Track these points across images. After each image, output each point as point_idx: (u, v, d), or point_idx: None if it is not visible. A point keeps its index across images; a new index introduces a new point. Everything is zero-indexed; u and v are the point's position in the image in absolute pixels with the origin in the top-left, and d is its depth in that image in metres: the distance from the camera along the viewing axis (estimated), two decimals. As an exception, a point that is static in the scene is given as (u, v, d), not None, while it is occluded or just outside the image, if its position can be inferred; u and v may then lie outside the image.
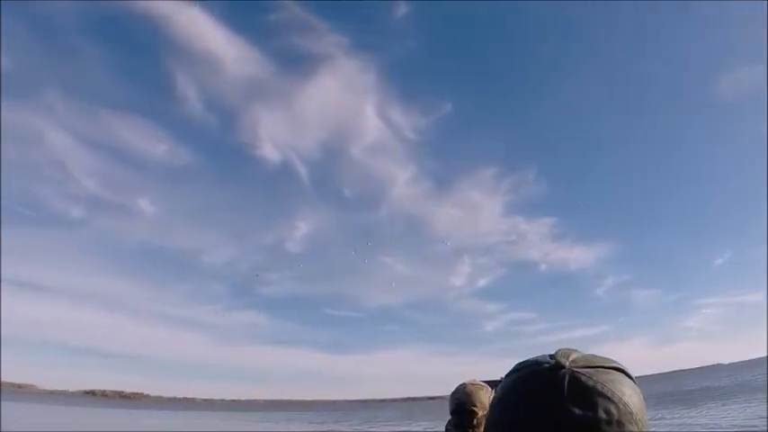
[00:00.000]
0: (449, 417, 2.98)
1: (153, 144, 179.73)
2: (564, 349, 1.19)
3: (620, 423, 1.11)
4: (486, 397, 3.00)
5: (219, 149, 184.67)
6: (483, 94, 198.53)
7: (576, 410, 1.10)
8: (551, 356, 1.18)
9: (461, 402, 2.99)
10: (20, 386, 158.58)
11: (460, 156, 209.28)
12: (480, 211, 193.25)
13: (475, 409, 2.94)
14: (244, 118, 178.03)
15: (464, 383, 3.09)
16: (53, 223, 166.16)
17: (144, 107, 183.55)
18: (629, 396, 1.15)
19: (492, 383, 3.09)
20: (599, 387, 1.13)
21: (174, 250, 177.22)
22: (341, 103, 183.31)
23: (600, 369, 1.16)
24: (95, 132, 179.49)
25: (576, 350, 1.20)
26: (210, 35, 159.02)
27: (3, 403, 55.74)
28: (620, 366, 1.19)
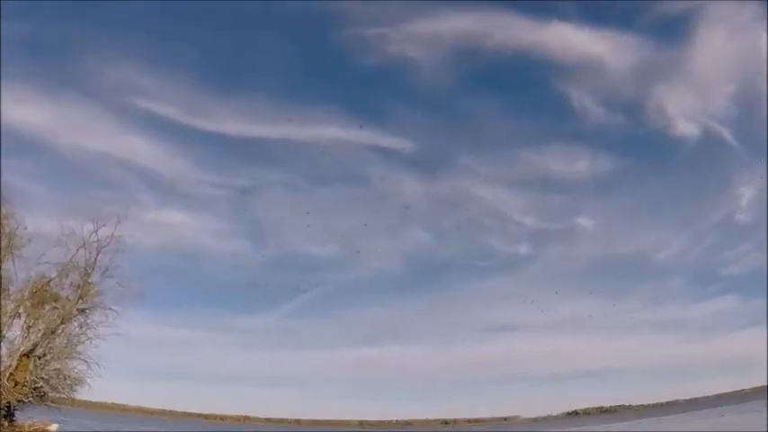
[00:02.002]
0: None
1: (572, 163, 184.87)
2: None
3: None
4: None
5: (635, 144, 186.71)
6: None
7: None
8: None
9: None
10: (506, 419, 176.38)
11: None
12: None
13: None
14: (647, 105, 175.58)
15: None
16: (506, 266, 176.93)
17: (551, 132, 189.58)
18: None
19: None
20: None
21: (624, 257, 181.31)
22: (734, 47, 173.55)
23: None
24: (516, 173, 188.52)
25: None
26: (578, 41, 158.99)
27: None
28: None
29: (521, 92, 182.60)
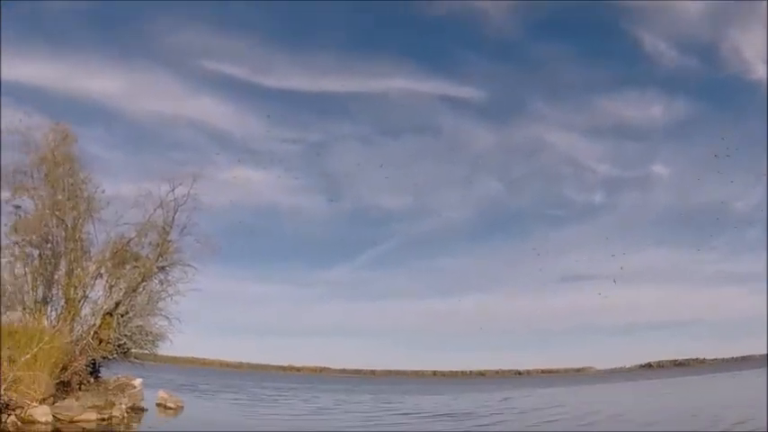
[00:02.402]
0: None
1: (646, 109, 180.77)
2: None
3: None
4: None
5: (711, 88, 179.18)
6: None
7: None
8: None
9: None
10: (578, 370, 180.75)
11: None
12: None
13: None
14: (722, 48, 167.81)
15: None
16: (579, 215, 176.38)
17: (624, 78, 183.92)
18: None
19: None
20: None
21: (700, 206, 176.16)
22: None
23: None
24: (590, 119, 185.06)
25: None
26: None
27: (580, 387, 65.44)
28: None
29: (592, 37, 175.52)
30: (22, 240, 23.61)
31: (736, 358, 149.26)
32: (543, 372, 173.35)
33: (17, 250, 23.50)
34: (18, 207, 23.85)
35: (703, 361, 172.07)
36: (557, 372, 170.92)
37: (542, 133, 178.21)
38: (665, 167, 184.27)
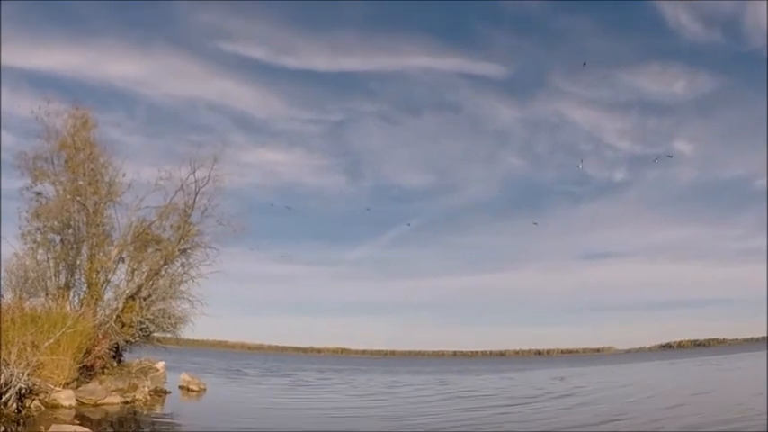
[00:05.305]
0: None
1: (669, 83, 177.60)
2: None
3: None
4: None
5: (734, 63, 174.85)
6: None
7: None
8: None
9: None
10: (598, 350, 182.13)
11: None
12: None
13: None
14: (746, 21, 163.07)
15: None
16: (600, 192, 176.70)
17: (647, 52, 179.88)
18: None
19: None
20: None
21: (724, 182, 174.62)
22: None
23: None
24: (612, 95, 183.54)
25: None
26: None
27: (597, 367, 65.25)
28: None
29: (614, 10, 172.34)
30: (44, 226, 23.87)
31: (758, 339, 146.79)
32: (563, 351, 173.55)
33: (39, 236, 23.78)
34: (39, 194, 24.09)
35: (724, 341, 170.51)
36: (576, 352, 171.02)
37: (564, 109, 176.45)
38: (688, 144, 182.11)
